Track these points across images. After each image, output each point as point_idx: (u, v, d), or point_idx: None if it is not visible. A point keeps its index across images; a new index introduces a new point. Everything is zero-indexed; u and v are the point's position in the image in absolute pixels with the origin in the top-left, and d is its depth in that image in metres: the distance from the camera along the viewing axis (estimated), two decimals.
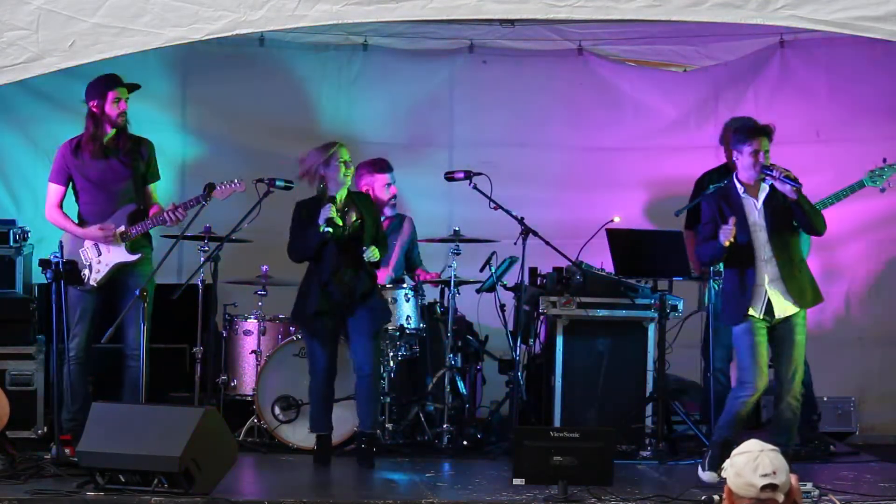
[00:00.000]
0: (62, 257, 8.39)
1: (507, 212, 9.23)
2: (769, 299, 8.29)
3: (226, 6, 7.78)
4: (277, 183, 8.82)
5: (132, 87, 8.79)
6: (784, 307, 8.32)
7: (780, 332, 8.35)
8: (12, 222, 9.61)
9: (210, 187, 8.70)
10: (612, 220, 9.79)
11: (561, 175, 10.85)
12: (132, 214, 8.73)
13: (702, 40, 10.66)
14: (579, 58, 10.92)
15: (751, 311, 8.30)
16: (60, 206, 8.79)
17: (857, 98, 10.45)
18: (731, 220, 8.25)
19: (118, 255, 8.70)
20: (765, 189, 8.32)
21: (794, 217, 8.30)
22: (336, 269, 8.69)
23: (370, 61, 10.83)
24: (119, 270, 8.71)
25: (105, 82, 8.68)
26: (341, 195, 8.79)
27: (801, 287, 8.35)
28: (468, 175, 9.29)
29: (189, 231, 8.84)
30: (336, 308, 8.72)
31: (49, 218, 8.84)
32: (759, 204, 8.33)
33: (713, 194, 8.48)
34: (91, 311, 8.67)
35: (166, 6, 7.78)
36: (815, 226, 8.35)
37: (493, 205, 9.21)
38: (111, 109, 8.68)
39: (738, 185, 8.38)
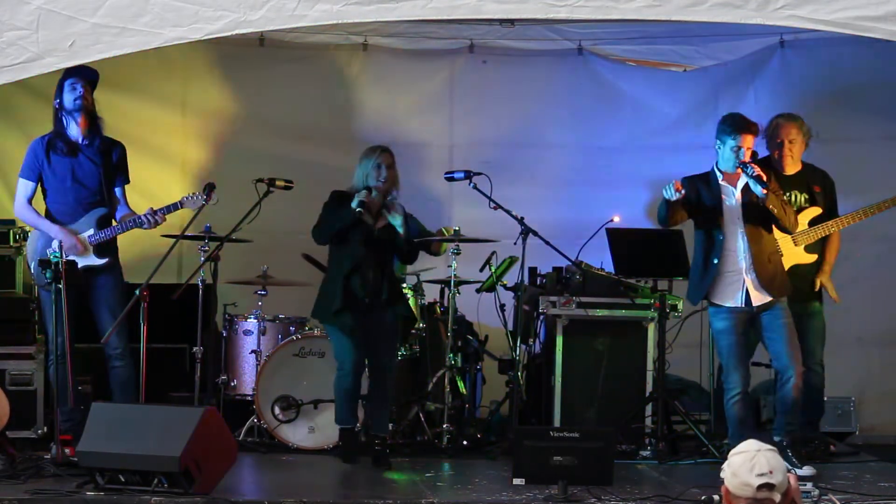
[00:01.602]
0: (62, 256, 8.39)
1: (507, 212, 9.22)
2: (747, 289, 8.46)
3: (226, 6, 7.77)
4: (277, 183, 8.81)
5: (89, 75, 8.74)
6: (760, 297, 8.48)
7: (764, 319, 8.54)
8: (12, 222, 9.61)
9: (210, 187, 8.71)
10: (612, 220, 9.80)
11: (561, 175, 10.86)
12: (101, 218, 8.73)
13: (702, 40, 10.67)
14: (579, 58, 10.93)
15: (730, 303, 8.49)
16: (30, 203, 8.79)
17: (857, 98, 10.45)
18: (678, 183, 8.40)
19: (86, 258, 8.70)
20: (743, 179, 8.47)
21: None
22: (358, 266, 8.65)
23: (370, 61, 10.84)
24: (86, 272, 8.71)
25: (62, 74, 8.67)
26: (377, 197, 8.71)
27: (771, 276, 8.50)
28: (468, 175, 9.28)
29: (189, 231, 8.85)
30: (358, 305, 8.68)
31: (18, 214, 8.85)
32: (738, 192, 8.48)
33: (694, 177, 8.61)
34: (69, 309, 8.64)
35: (166, 6, 7.77)
36: (784, 226, 8.54)
37: (493, 205, 9.20)
38: (66, 98, 8.67)
39: (717, 172, 8.54)
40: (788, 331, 8.53)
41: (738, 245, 8.48)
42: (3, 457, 8.22)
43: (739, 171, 8.44)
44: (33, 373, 9.22)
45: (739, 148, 8.44)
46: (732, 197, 8.50)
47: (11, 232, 9.45)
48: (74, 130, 8.73)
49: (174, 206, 8.71)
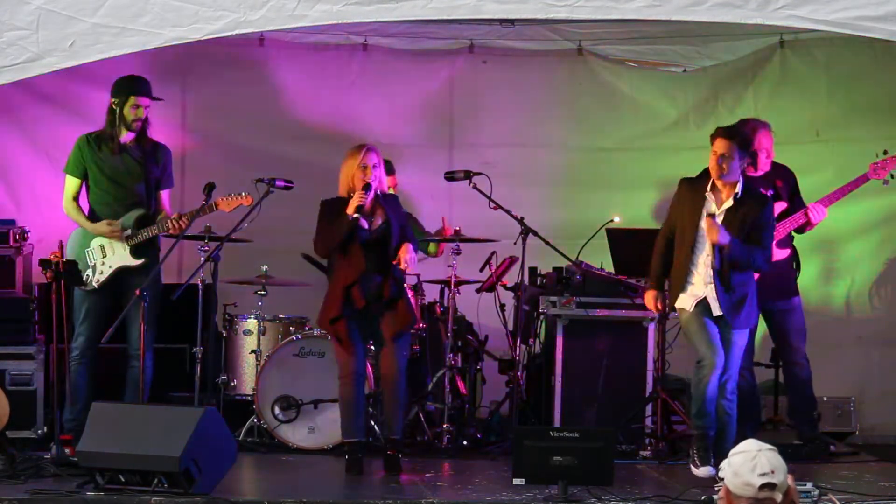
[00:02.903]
0: (63, 257, 8.40)
1: (507, 212, 9.22)
2: (705, 298, 8.33)
3: (226, 6, 7.78)
4: (277, 183, 8.80)
5: (155, 99, 8.82)
6: (717, 309, 8.35)
7: (720, 329, 8.39)
8: (12, 222, 9.62)
9: (210, 186, 8.71)
10: (612, 220, 9.80)
11: (561, 175, 10.86)
12: (140, 218, 8.75)
13: (702, 40, 10.67)
14: (579, 58, 10.93)
15: (683, 305, 8.39)
16: (76, 199, 8.82)
17: (856, 98, 10.45)
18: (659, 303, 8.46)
19: (122, 258, 8.73)
20: (730, 202, 8.29)
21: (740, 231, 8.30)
22: (360, 273, 8.52)
23: (370, 61, 10.84)
24: (122, 273, 8.73)
25: (129, 85, 8.74)
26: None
27: (730, 306, 8.34)
28: (468, 175, 9.28)
29: (189, 231, 8.85)
30: (360, 312, 8.57)
31: (66, 209, 8.89)
32: (720, 211, 8.31)
33: (689, 181, 8.52)
34: (95, 311, 8.69)
35: (166, 6, 7.78)
36: (752, 269, 8.40)
37: (493, 205, 9.20)
38: (128, 112, 8.73)
39: (709, 184, 8.38)
40: (728, 349, 8.34)
41: (706, 262, 8.32)
42: (3, 457, 8.22)
43: (727, 189, 8.31)
44: (33, 373, 9.23)
45: (715, 153, 8.27)
46: (713, 212, 8.32)
47: (11, 232, 9.46)
48: (123, 133, 8.76)
49: (209, 209, 8.70)
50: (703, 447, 8.27)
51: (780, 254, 9.21)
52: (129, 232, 8.71)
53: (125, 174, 8.78)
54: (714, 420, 8.28)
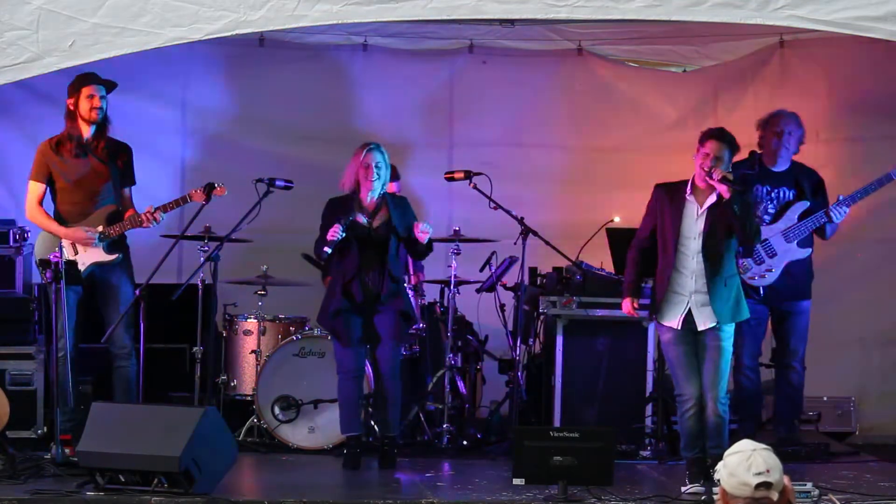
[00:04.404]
0: (62, 257, 8.40)
1: (507, 212, 9.22)
2: (690, 311, 8.07)
3: (226, 6, 7.79)
4: (277, 183, 8.81)
5: (109, 85, 8.79)
6: (705, 321, 8.07)
7: (703, 338, 8.11)
8: (12, 222, 9.62)
9: (210, 187, 8.71)
10: (612, 220, 9.80)
11: (561, 175, 10.86)
12: (111, 215, 8.75)
13: (702, 40, 10.67)
14: (579, 58, 10.93)
15: (668, 322, 8.12)
16: (41, 205, 8.82)
17: (857, 98, 10.45)
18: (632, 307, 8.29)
19: (95, 254, 8.72)
20: (712, 198, 8.06)
21: (729, 224, 8.05)
22: (358, 270, 8.59)
23: (370, 61, 10.84)
24: (96, 269, 8.72)
25: (79, 79, 8.70)
26: (372, 196, 8.66)
27: (724, 303, 8.08)
28: (468, 175, 9.28)
29: (189, 231, 8.86)
30: (358, 309, 8.63)
31: (29, 216, 8.89)
32: (702, 210, 8.09)
33: (665, 185, 8.32)
34: (74, 309, 8.66)
35: (166, 6, 7.79)
36: (746, 232, 8.07)
37: (493, 205, 9.20)
38: (83, 105, 8.70)
39: (689, 186, 8.18)
40: (719, 355, 8.08)
41: (691, 265, 8.09)
42: (3, 457, 8.22)
43: (709, 184, 8.10)
44: (33, 373, 9.23)
45: (707, 155, 8.05)
46: (695, 215, 8.10)
47: (11, 232, 9.45)
48: (85, 133, 8.75)
49: (182, 201, 8.72)
50: (697, 469, 8.07)
51: (800, 253, 9.21)
52: (101, 228, 8.71)
53: (92, 176, 8.77)
54: (705, 448, 8.11)
